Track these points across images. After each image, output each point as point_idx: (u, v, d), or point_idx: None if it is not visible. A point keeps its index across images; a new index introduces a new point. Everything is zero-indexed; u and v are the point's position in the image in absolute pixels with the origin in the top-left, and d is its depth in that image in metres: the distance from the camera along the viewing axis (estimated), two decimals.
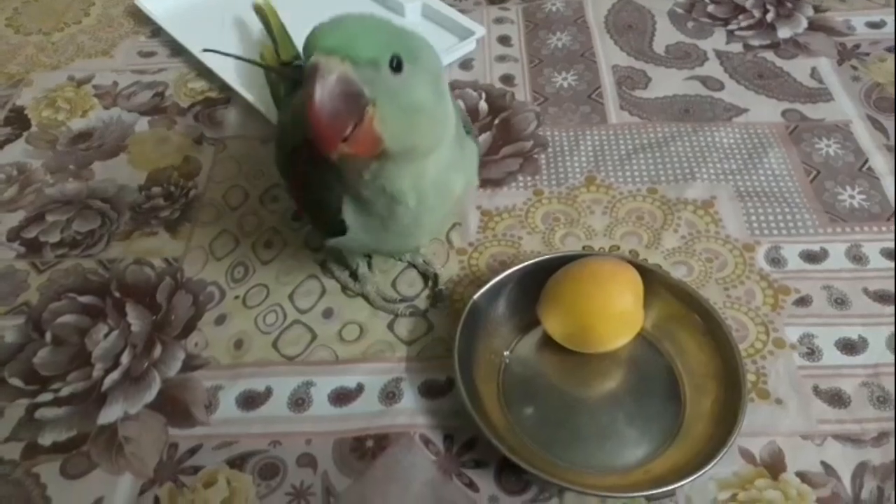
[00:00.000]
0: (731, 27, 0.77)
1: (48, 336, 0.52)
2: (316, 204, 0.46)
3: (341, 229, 0.46)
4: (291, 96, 0.54)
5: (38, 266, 0.57)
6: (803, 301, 0.53)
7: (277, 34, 0.65)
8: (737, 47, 0.75)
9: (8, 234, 0.59)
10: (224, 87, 0.70)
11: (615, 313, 0.47)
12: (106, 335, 0.52)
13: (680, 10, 0.80)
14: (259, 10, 0.69)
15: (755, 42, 0.76)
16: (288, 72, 0.59)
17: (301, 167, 0.46)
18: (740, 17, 0.79)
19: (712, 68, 0.73)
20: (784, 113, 0.68)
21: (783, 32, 0.77)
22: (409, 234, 0.47)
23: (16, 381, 0.50)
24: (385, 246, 0.51)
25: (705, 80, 0.71)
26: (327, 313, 0.54)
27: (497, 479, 0.45)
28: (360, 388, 0.49)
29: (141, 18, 0.79)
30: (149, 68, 0.74)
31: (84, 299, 0.55)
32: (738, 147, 0.64)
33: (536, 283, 0.50)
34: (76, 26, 0.80)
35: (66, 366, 0.51)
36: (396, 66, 0.36)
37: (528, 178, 0.62)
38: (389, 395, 0.49)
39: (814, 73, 0.72)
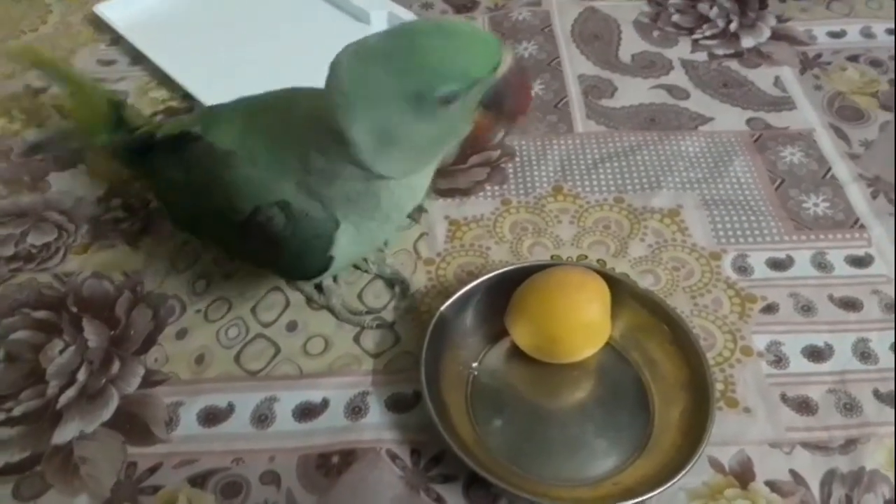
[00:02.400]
0: (695, 36, 0.78)
1: (0, 353, 0.51)
2: (298, 256, 0.45)
3: (326, 265, 0.45)
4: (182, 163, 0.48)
5: None
6: (770, 308, 0.53)
7: (78, 82, 0.58)
8: (702, 56, 0.76)
9: None
10: (186, 95, 0.68)
11: (583, 323, 0.47)
12: (61, 351, 0.51)
13: (645, 20, 0.80)
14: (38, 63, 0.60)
15: (720, 51, 0.76)
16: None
17: (273, 226, 0.43)
18: (704, 26, 0.80)
19: (678, 77, 0.73)
20: (749, 121, 0.68)
21: (747, 42, 0.78)
22: (387, 224, 0.46)
23: None
24: (361, 251, 0.50)
25: (671, 89, 0.72)
26: (291, 326, 0.53)
27: (465, 494, 0.44)
28: (325, 403, 0.48)
29: (100, 26, 0.77)
30: (109, 77, 0.72)
31: (38, 314, 0.53)
32: (704, 155, 0.65)
33: (504, 293, 0.50)
34: (33, 34, 0.78)
35: (20, 384, 0.49)
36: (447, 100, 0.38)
37: (496, 188, 0.62)
38: (355, 409, 0.48)
39: (777, 82, 0.73)
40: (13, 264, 0.56)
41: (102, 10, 0.75)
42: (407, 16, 0.75)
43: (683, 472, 0.41)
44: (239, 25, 0.76)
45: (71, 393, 0.48)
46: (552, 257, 0.56)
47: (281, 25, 0.76)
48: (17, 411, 0.48)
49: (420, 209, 0.58)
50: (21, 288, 0.54)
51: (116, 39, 0.76)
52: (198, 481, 0.45)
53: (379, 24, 0.76)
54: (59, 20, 0.80)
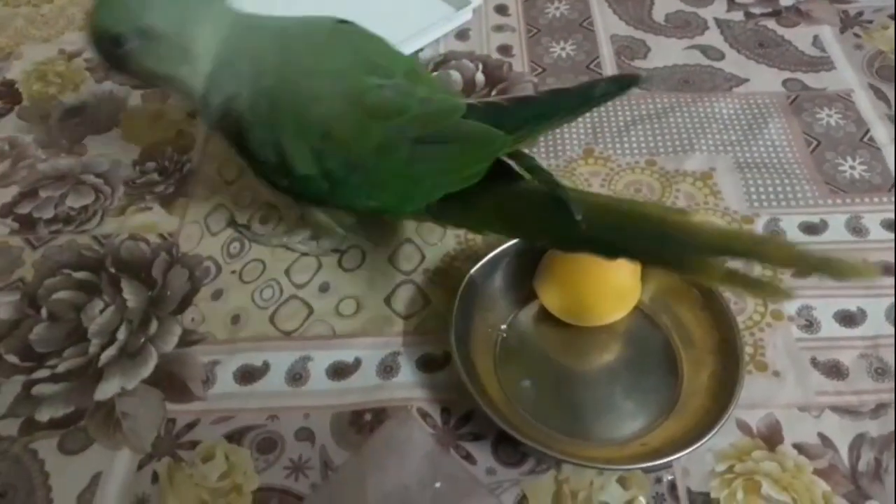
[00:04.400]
0: None
1: (44, 312, 0.52)
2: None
3: None
4: None
5: (33, 242, 0.57)
6: (801, 273, 0.52)
7: None
8: (737, 16, 0.74)
9: (2, 210, 0.59)
10: None
11: (613, 287, 0.47)
12: (102, 311, 0.52)
13: None
14: None
15: (756, 10, 0.75)
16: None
17: None
18: None
19: (712, 37, 0.72)
20: (785, 82, 0.67)
21: (785, 0, 0.75)
22: None
23: (12, 358, 0.50)
24: None
25: (705, 50, 0.70)
26: (323, 287, 0.53)
27: (494, 452, 0.45)
28: (357, 363, 0.49)
29: None
30: None
31: (79, 275, 0.54)
32: (738, 118, 0.64)
33: (533, 256, 0.50)
34: None
35: (63, 342, 0.51)
36: (117, 42, 0.42)
37: (526, 151, 0.61)
38: (387, 369, 0.49)
39: (816, 42, 0.71)
40: (53, 226, 0.58)
41: None
42: None
43: (712, 433, 0.42)
44: None
45: (112, 351, 0.50)
46: None
47: None
48: (60, 368, 0.49)
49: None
50: (61, 249, 0.56)
51: None
52: (234, 437, 0.46)
53: None
54: None
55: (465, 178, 0.44)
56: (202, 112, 0.47)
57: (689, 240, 0.39)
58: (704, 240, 0.39)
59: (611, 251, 0.41)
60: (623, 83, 0.46)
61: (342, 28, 0.47)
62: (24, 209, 0.59)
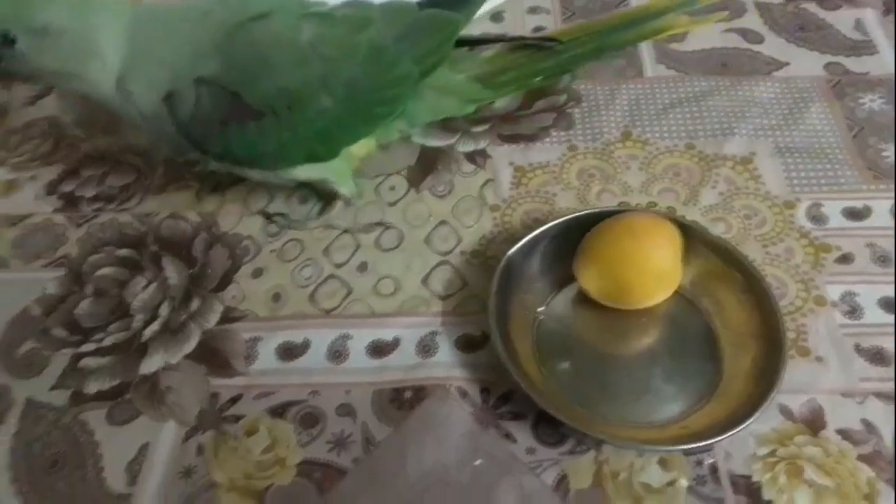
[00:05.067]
0: None
1: (88, 288, 0.53)
2: None
3: None
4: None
5: (76, 220, 0.58)
6: (845, 259, 0.52)
7: None
8: None
9: (46, 188, 0.60)
10: None
11: (653, 269, 0.47)
12: (144, 287, 0.53)
13: None
14: None
15: None
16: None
17: None
18: None
19: (752, 20, 0.71)
20: (826, 66, 0.66)
21: None
22: None
23: (59, 332, 0.51)
24: None
25: (744, 33, 0.69)
26: (362, 267, 0.54)
27: (534, 432, 0.45)
28: (396, 341, 0.50)
29: None
30: None
31: (122, 252, 0.55)
32: (779, 102, 0.63)
33: (572, 239, 0.50)
34: None
35: (107, 317, 0.52)
36: (6, 42, 0.42)
37: (562, 134, 0.61)
38: (425, 348, 0.49)
39: (858, 25, 0.69)
40: (95, 204, 0.59)
41: None
42: None
43: (754, 417, 0.42)
44: None
45: (155, 327, 0.51)
46: (620, 204, 0.56)
47: None
48: (106, 342, 0.50)
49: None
50: (104, 227, 0.57)
51: None
52: (277, 411, 0.47)
53: None
54: None
55: (438, 60, 0.51)
56: (118, 106, 0.47)
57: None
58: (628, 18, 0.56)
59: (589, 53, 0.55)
60: None
61: None
62: (66, 188, 0.60)
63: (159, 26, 0.46)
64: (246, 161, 0.49)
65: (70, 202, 0.59)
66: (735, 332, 0.48)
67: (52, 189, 0.60)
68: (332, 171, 0.53)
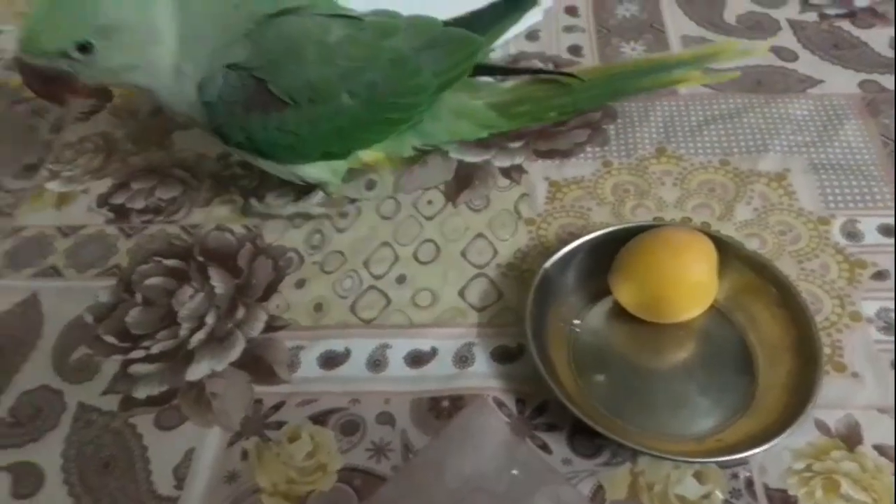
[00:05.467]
0: None
1: (138, 297, 0.55)
2: None
3: None
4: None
5: (126, 231, 0.60)
6: (881, 275, 0.52)
7: None
8: (811, 17, 0.74)
9: (97, 201, 0.62)
10: None
11: (689, 283, 0.48)
12: (191, 297, 0.55)
13: None
14: None
15: (831, 11, 0.74)
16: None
17: None
18: None
19: (786, 38, 0.71)
20: (861, 84, 0.66)
21: (860, 1, 0.75)
22: None
23: (110, 338, 0.53)
24: None
25: (778, 51, 0.70)
26: (400, 279, 0.55)
27: (570, 443, 0.46)
28: (433, 352, 0.51)
29: None
30: None
31: (170, 263, 0.57)
32: (813, 119, 0.63)
33: (607, 253, 0.51)
34: None
35: (156, 325, 0.53)
36: (83, 49, 0.44)
37: (597, 149, 0.62)
38: (462, 358, 0.50)
39: (892, 43, 0.70)
40: (145, 216, 0.61)
41: None
42: None
43: (789, 430, 0.42)
44: None
45: (201, 335, 0.53)
46: (655, 219, 0.57)
47: None
48: (154, 349, 0.52)
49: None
50: (153, 238, 0.59)
51: None
52: (319, 419, 0.48)
53: None
54: None
55: (456, 76, 0.54)
56: (174, 93, 0.49)
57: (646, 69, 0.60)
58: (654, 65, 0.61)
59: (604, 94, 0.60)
60: None
61: None
62: (117, 200, 0.62)
63: (200, 11, 0.48)
64: (264, 151, 0.52)
65: (121, 214, 0.61)
66: (770, 347, 0.48)
67: (103, 201, 0.62)
68: (334, 172, 0.56)
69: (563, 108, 0.59)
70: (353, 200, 0.60)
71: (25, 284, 0.57)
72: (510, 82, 0.60)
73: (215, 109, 0.49)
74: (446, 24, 0.54)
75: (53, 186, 0.63)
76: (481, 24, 0.55)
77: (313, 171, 0.55)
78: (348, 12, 0.51)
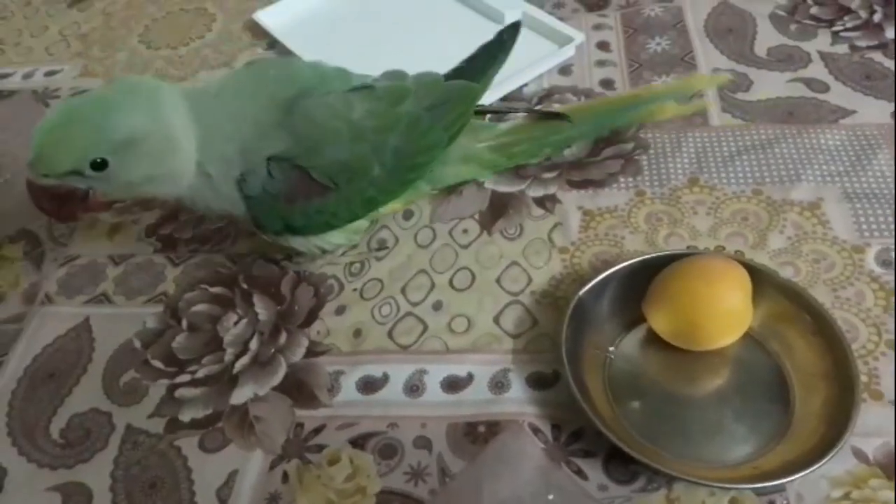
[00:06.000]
0: (836, 28, 0.76)
1: (184, 323, 0.57)
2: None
3: None
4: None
5: (174, 260, 0.62)
6: None
7: None
8: (842, 49, 0.74)
9: (146, 231, 0.65)
10: None
11: (724, 311, 0.48)
12: (236, 323, 0.57)
13: (782, 13, 0.79)
14: None
15: (862, 43, 0.74)
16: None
17: None
18: (846, 17, 0.78)
19: (817, 70, 0.72)
20: (893, 114, 0.66)
21: (891, 33, 0.75)
22: None
23: (157, 363, 0.55)
24: None
25: (810, 83, 0.71)
26: (437, 306, 0.56)
27: (605, 469, 0.46)
28: (469, 377, 0.52)
29: (258, 32, 0.84)
30: None
31: (215, 290, 0.59)
32: (846, 149, 0.64)
33: (641, 281, 0.51)
34: (200, 41, 0.86)
35: (201, 350, 0.55)
36: (97, 166, 0.44)
37: (630, 180, 0.64)
38: (498, 384, 0.51)
39: None
40: (192, 245, 0.63)
41: (261, 17, 0.82)
42: (539, 15, 0.78)
43: (827, 458, 0.42)
44: (381, 26, 0.81)
45: (245, 360, 0.54)
46: (689, 248, 0.58)
47: (420, 26, 0.81)
48: (200, 374, 0.54)
49: None
50: (199, 266, 0.61)
51: (273, 43, 0.83)
52: (358, 442, 0.49)
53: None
54: (222, 27, 0.88)
55: (462, 126, 0.56)
56: (200, 196, 0.50)
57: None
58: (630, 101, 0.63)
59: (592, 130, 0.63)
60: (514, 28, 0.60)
61: (265, 67, 0.55)
62: (165, 230, 0.65)
63: (216, 108, 0.48)
64: (298, 232, 0.53)
65: (168, 243, 0.63)
66: (805, 374, 0.48)
67: (151, 231, 0.65)
68: (355, 231, 0.57)
69: (556, 144, 0.63)
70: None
71: (78, 311, 0.59)
72: (506, 124, 0.62)
73: (258, 203, 0.49)
74: (446, 77, 0.56)
75: (106, 217, 0.66)
76: (475, 69, 0.57)
77: (336, 238, 0.56)
78: (361, 81, 0.53)
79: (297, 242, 0.55)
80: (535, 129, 0.60)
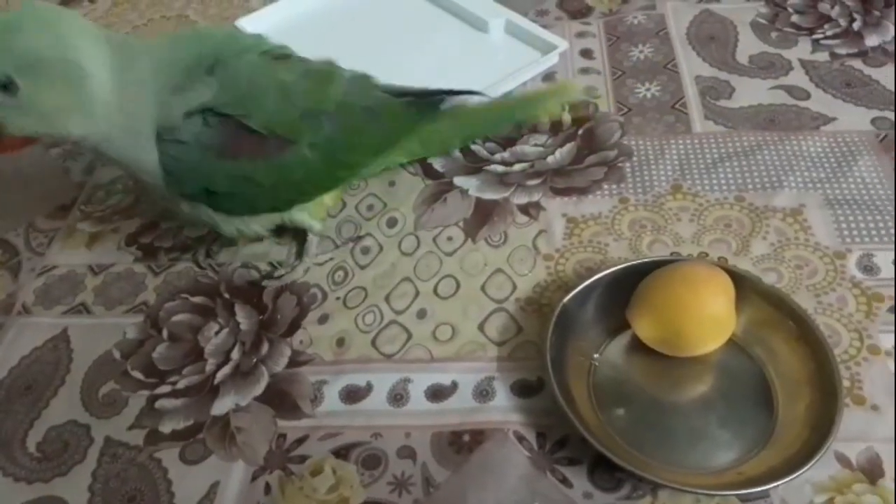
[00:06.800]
0: (816, 36, 0.77)
1: (165, 333, 0.56)
2: None
3: None
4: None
5: (154, 269, 0.61)
6: None
7: None
8: (823, 56, 0.75)
9: (126, 240, 0.64)
10: None
11: (708, 317, 0.48)
12: (217, 332, 0.56)
13: (763, 21, 0.80)
14: None
15: (842, 51, 0.75)
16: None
17: None
18: (826, 26, 0.78)
19: (798, 78, 0.73)
20: (874, 121, 0.67)
21: (871, 41, 0.76)
22: None
23: (137, 374, 0.54)
24: None
25: (791, 90, 0.71)
26: (421, 314, 0.56)
27: (590, 477, 0.46)
28: (454, 386, 0.52)
29: None
30: None
31: (196, 300, 0.59)
32: (827, 155, 0.64)
33: (625, 287, 0.51)
34: None
35: (182, 360, 0.55)
36: (6, 88, 0.42)
37: (614, 187, 0.64)
38: (482, 392, 0.51)
39: None
40: (172, 254, 0.62)
41: (242, 24, 0.82)
42: (523, 23, 0.78)
43: (811, 463, 0.42)
44: (364, 35, 0.81)
45: (226, 370, 0.54)
46: (672, 254, 0.58)
47: (403, 35, 0.81)
48: (180, 384, 0.53)
49: None
50: (180, 276, 0.61)
51: None
52: (341, 453, 0.48)
53: (497, 32, 0.79)
54: None
55: (391, 144, 0.59)
56: (110, 143, 0.48)
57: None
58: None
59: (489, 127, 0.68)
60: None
61: (186, 34, 0.56)
62: (146, 239, 0.64)
63: (136, 55, 0.47)
64: (219, 202, 0.52)
65: (149, 252, 0.63)
66: (789, 380, 0.48)
67: (132, 240, 0.64)
68: (271, 222, 0.57)
69: (464, 140, 0.67)
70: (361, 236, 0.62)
71: (56, 321, 0.58)
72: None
73: (180, 157, 0.48)
74: (382, 88, 0.58)
75: (85, 226, 0.65)
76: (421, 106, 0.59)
77: (252, 224, 0.56)
78: (281, 50, 0.54)
79: (214, 218, 0.54)
80: (447, 122, 0.62)
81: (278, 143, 0.51)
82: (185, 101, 0.48)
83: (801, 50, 0.76)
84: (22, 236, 0.65)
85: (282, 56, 0.53)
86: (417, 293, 0.58)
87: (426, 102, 0.60)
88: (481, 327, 0.55)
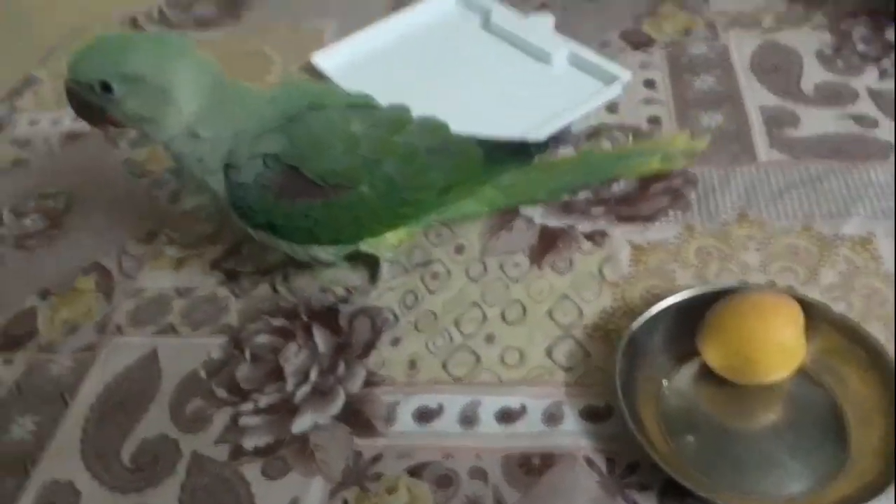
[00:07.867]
0: (883, 65, 0.77)
1: (247, 353, 0.60)
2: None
3: None
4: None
5: (236, 292, 0.65)
6: None
7: None
8: (890, 84, 0.74)
9: (211, 265, 0.68)
10: None
11: (777, 346, 0.49)
12: (296, 353, 0.59)
13: (828, 51, 0.80)
14: None
15: None
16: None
17: None
18: (892, 54, 0.78)
19: (865, 106, 0.72)
20: None
21: None
22: None
23: (221, 392, 0.57)
24: None
25: (858, 119, 0.71)
26: (489, 338, 0.58)
27: (660, 502, 0.47)
28: (523, 409, 0.53)
29: (315, 74, 0.87)
30: None
31: (276, 322, 0.62)
32: None
33: (693, 315, 0.52)
34: (259, 84, 0.90)
35: (263, 380, 0.57)
36: (105, 88, 0.49)
37: (679, 214, 0.64)
38: (551, 416, 0.52)
39: None
40: (254, 278, 0.66)
41: (318, 60, 0.86)
42: (586, 54, 0.80)
43: (884, 494, 0.42)
44: (431, 68, 0.84)
45: (305, 389, 0.56)
46: (739, 282, 0.58)
47: (469, 67, 0.83)
48: (262, 403, 0.56)
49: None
50: (262, 299, 0.64)
51: None
52: (415, 472, 0.50)
53: (560, 63, 0.81)
54: (280, 70, 0.91)
55: (460, 182, 0.58)
56: (191, 159, 0.53)
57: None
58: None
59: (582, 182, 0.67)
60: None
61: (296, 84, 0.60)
62: (229, 264, 0.67)
63: (236, 97, 0.53)
64: (281, 232, 0.56)
65: (231, 276, 0.66)
66: (861, 410, 0.48)
67: (215, 265, 0.67)
68: (339, 253, 0.60)
69: (551, 192, 0.66)
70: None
71: (146, 341, 0.62)
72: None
73: (245, 191, 0.53)
74: (480, 142, 0.58)
75: (171, 252, 0.69)
76: (493, 150, 0.59)
77: (320, 253, 0.58)
78: (365, 101, 0.57)
79: (284, 246, 0.58)
80: (533, 173, 0.63)
81: (335, 189, 0.54)
82: (254, 147, 0.52)
83: (868, 78, 0.76)
84: (115, 260, 0.69)
85: (361, 105, 0.57)
86: (485, 318, 0.59)
87: (515, 150, 0.60)
88: (549, 352, 0.56)
